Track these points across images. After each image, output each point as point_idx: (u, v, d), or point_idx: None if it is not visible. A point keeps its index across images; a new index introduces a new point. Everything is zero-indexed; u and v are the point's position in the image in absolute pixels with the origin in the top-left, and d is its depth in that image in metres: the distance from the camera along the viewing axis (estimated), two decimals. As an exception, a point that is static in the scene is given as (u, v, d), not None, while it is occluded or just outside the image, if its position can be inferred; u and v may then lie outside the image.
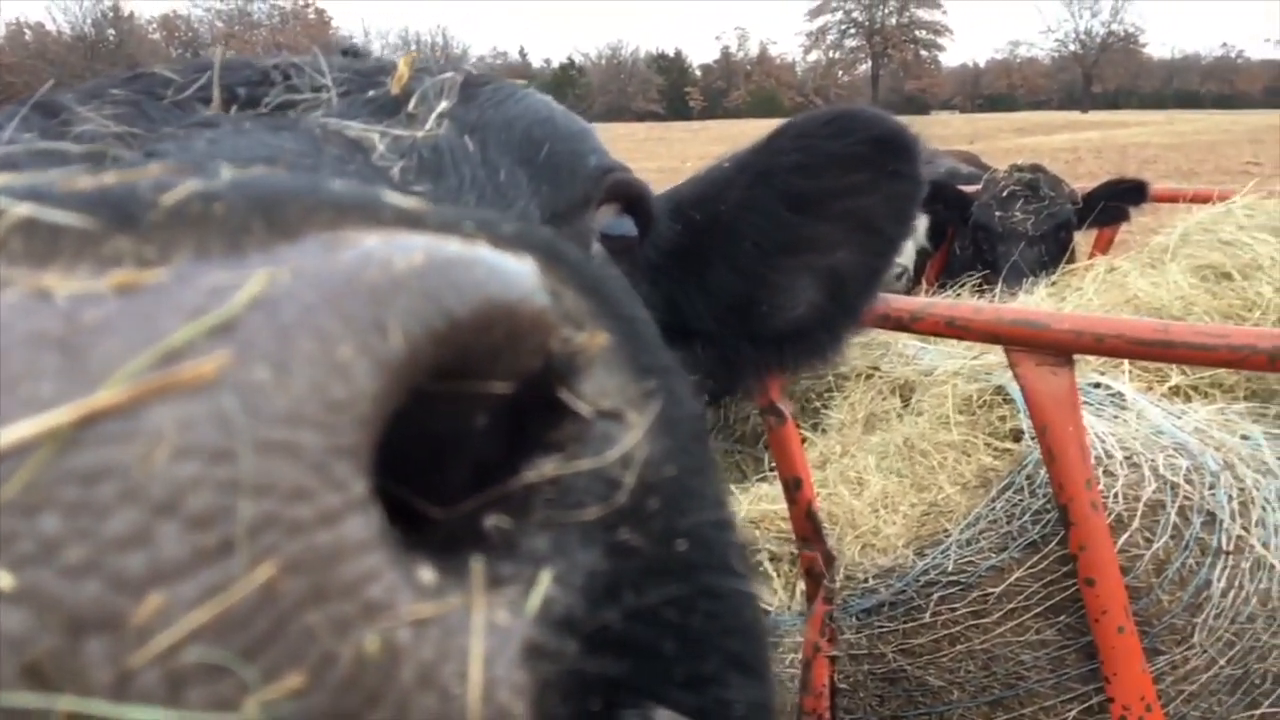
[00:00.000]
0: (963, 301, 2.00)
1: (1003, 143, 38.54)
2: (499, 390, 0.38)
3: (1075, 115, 72.04)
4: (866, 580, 2.22)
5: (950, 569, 2.06)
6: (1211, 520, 1.93)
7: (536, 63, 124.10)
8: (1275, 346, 1.69)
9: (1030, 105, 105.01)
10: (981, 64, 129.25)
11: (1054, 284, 3.29)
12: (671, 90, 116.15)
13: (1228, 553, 1.90)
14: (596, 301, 0.43)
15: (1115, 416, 2.19)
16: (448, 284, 0.36)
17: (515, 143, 0.94)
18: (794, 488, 2.43)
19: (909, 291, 4.20)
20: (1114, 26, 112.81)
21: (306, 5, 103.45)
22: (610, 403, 0.42)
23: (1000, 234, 4.54)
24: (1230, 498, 1.95)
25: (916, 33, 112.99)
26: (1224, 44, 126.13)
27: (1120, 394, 2.30)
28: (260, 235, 0.35)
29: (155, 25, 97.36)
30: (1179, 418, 2.19)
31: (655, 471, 0.42)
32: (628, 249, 1.06)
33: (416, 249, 0.36)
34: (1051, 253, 4.46)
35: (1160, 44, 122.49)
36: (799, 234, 1.16)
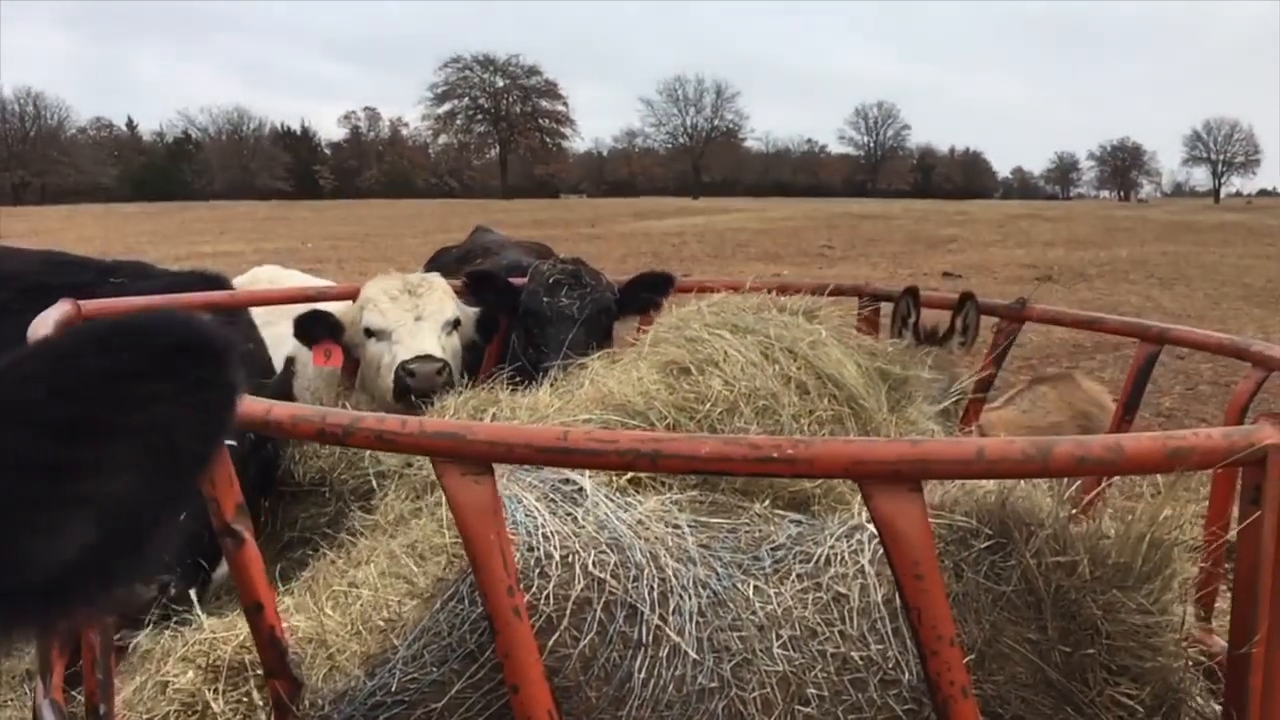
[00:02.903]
0: (390, 416, 1.98)
1: (620, 226, 41.03)
2: None
3: (687, 202, 78.26)
4: (324, 708, 2.11)
5: (395, 688, 2.01)
6: (634, 613, 2.03)
7: (147, 135, 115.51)
8: (655, 450, 1.80)
9: (650, 191, 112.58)
10: (605, 152, 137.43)
11: (565, 377, 3.43)
12: (300, 168, 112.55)
13: (646, 645, 2.00)
14: None
15: (569, 514, 2.27)
16: None
17: None
18: (255, 613, 2.28)
19: (450, 385, 4.20)
20: (716, 122, 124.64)
21: None
22: None
23: (549, 318, 4.70)
24: (652, 588, 2.06)
25: (540, 121, 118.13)
26: (808, 139, 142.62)
27: (581, 489, 2.38)
28: None
29: None
30: (626, 510, 2.31)
31: None
32: None
33: None
34: (596, 337, 4.67)
35: (756, 138, 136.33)
36: (65, 464, 0.97)
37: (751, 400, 2.75)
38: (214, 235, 37.74)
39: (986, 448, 1.74)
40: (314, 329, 4.38)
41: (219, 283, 4.60)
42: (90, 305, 3.49)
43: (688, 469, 1.89)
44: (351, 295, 4.60)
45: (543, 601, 2.01)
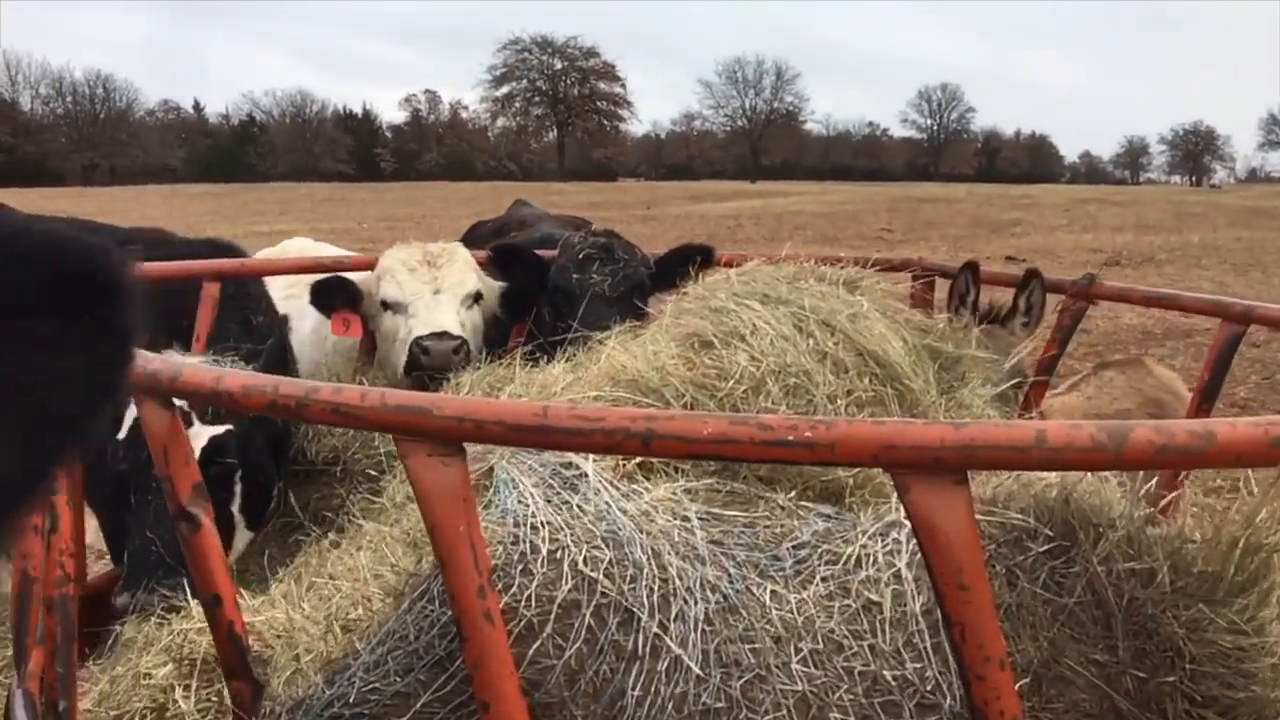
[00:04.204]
0: (350, 386, 1.72)
1: (674, 209, 40.67)
2: None
3: (744, 185, 77.55)
4: (280, 716, 1.87)
5: (354, 699, 1.75)
6: (629, 619, 1.75)
7: (213, 118, 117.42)
8: (648, 430, 1.52)
9: (708, 175, 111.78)
10: (663, 135, 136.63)
11: (584, 352, 3.16)
12: (362, 151, 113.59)
13: (642, 656, 1.72)
14: None
15: (565, 503, 2.00)
16: None
17: None
18: (213, 606, 2.05)
19: (468, 363, 3.95)
20: (775, 104, 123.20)
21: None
22: None
23: (578, 295, 4.44)
24: (651, 591, 1.78)
25: (598, 103, 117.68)
26: (870, 123, 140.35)
27: (584, 474, 2.11)
28: None
29: None
30: (630, 499, 2.03)
31: None
32: None
33: None
34: (628, 315, 4.39)
35: (816, 121, 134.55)
36: None
37: (780, 378, 2.45)
38: (273, 216, 38.21)
39: (1048, 431, 1.43)
40: (331, 297, 4.16)
41: (233, 252, 4.41)
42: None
43: (687, 453, 1.61)
44: (370, 266, 4.37)
45: (523, 603, 1.74)
